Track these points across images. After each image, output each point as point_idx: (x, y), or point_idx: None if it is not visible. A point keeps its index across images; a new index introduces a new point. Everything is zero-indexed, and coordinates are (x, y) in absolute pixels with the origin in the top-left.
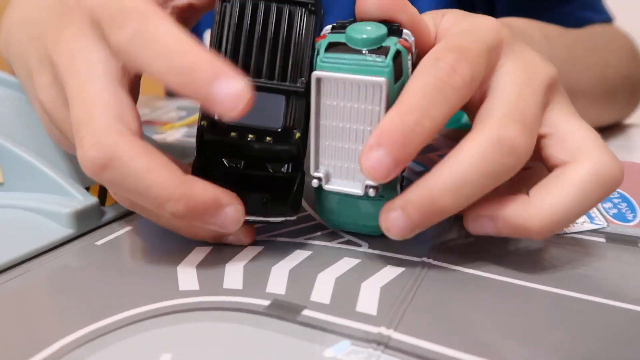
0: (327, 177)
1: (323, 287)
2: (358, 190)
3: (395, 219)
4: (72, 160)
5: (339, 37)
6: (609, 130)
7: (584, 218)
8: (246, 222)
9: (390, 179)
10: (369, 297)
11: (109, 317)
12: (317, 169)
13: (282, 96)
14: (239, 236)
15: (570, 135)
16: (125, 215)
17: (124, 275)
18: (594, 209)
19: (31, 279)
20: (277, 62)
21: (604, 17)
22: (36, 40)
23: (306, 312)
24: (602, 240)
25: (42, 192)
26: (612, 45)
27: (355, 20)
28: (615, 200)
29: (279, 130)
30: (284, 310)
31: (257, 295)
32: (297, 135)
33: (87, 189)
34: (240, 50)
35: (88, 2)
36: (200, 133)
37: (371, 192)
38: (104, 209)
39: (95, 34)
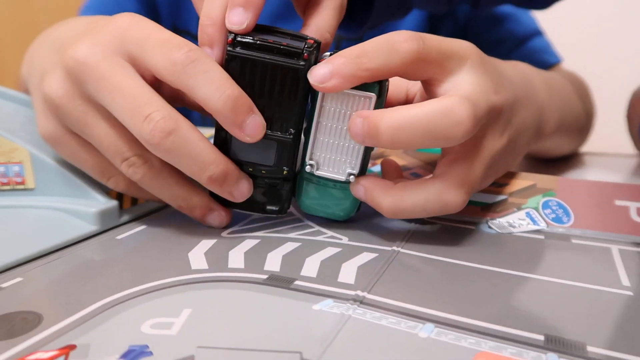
0: (318, 165)
1: (311, 266)
2: (342, 177)
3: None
4: None
5: None
6: (568, 158)
7: (527, 220)
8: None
9: (332, 88)
10: (348, 272)
11: (136, 287)
12: (311, 158)
13: (274, 142)
14: (223, 218)
15: (454, 87)
16: (140, 217)
17: (143, 260)
18: (538, 215)
19: (65, 263)
20: (273, 116)
21: (556, 60)
22: (56, 50)
23: (297, 283)
24: (542, 237)
25: (69, 196)
26: (577, 86)
27: None
28: (554, 207)
29: (271, 165)
30: (279, 281)
31: (257, 272)
32: (285, 171)
33: (107, 193)
34: None
35: (113, 27)
36: None
37: (351, 179)
38: (121, 211)
39: (120, 50)
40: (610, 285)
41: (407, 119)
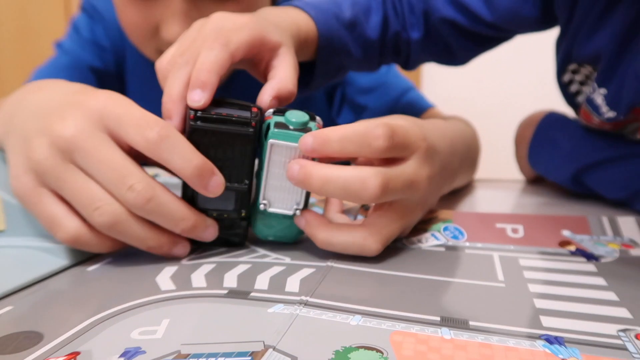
0: (270, 204)
1: (262, 281)
2: (290, 212)
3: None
4: None
5: (280, 119)
6: (465, 188)
7: (432, 239)
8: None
9: (306, 153)
10: (293, 284)
11: (118, 306)
12: (264, 198)
13: (233, 192)
14: (187, 247)
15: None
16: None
17: (117, 286)
18: (441, 235)
19: (48, 292)
20: (230, 171)
21: (429, 105)
22: (39, 118)
23: (253, 294)
24: (443, 250)
25: (38, 235)
26: (467, 128)
27: (287, 108)
28: (452, 230)
29: (231, 210)
30: (238, 294)
31: (218, 288)
32: (243, 213)
33: None
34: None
35: (94, 104)
36: None
37: (297, 212)
38: None
39: (100, 125)
40: (490, 280)
41: (333, 177)
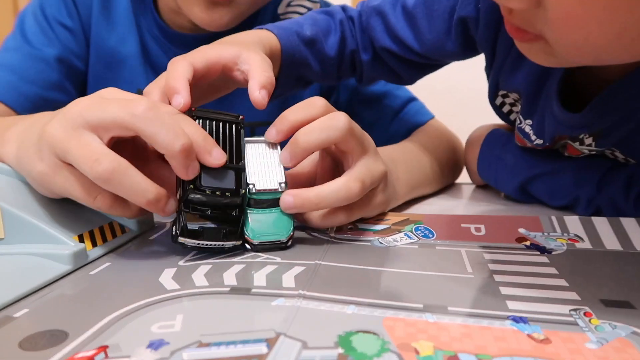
0: (256, 184)
1: (259, 279)
2: (276, 187)
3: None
4: (58, 218)
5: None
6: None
7: (406, 237)
8: (207, 249)
9: (273, 139)
10: (288, 280)
11: (131, 305)
12: (250, 182)
13: (232, 171)
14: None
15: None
16: (103, 255)
17: (123, 287)
18: (413, 234)
19: (59, 295)
20: (229, 153)
21: (429, 117)
22: (40, 138)
23: (254, 290)
24: (416, 247)
25: (37, 242)
26: (440, 142)
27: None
28: (423, 230)
29: (233, 188)
30: (240, 290)
31: (220, 286)
32: (242, 191)
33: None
34: None
35: (73, 106)
36: (187, 191)
37: (282, 186)
38: (87, 251)
39: (81, 123)
40: (460, 272)
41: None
